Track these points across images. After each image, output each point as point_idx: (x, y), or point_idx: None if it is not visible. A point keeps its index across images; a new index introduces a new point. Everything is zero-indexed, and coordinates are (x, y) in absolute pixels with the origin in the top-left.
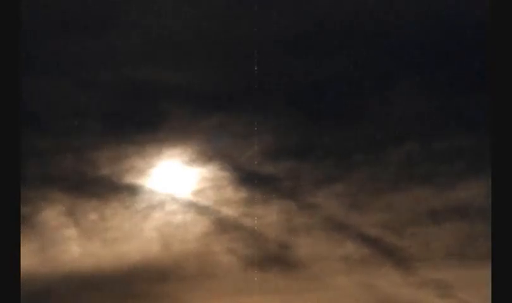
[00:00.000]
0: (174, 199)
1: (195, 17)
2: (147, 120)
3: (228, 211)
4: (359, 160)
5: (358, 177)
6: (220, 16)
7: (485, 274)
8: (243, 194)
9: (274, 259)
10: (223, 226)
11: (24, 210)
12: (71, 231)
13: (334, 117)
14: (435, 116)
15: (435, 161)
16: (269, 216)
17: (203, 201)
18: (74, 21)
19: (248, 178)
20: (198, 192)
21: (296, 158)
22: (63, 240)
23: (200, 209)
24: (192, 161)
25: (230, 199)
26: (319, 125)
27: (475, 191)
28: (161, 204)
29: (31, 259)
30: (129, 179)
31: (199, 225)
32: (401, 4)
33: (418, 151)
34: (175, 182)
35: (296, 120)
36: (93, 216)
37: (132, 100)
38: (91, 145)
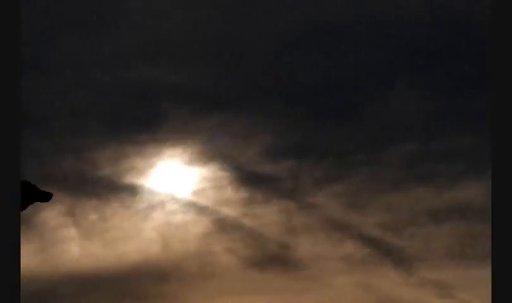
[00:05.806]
0: (174, 199)
1: (195, 17)
2: (147, 120)
3: (228, 211)
4: (359, 160)
5: (358, 177)
6: (220, 16)
7: (485, 274)
8: (243, 194)
9: (274, 259)
10: (223, 226)
11: (24, 210)
12: (71, 231)
13: (334, 117)
14: (435, 116)
15: (435, 161)
16: (269, 216)
17: (203, 201)
18: (74, 21)
19: (248, 178)
20: (198, 192)
21: (296, 158)
22: (63, 240)
23: (200, 209)
24: (192, 161)
25: (230, 199)
26: (319, 125)
27: (475, 191)
28: (161, 204)
29: (31, 259)
30: (129, 179)
31: (199, 225)
32: (401, 4)
33: (418, 151)
34: (175, 182)
35: (296, 120)
36: (93, 216)
37: (132, 100)
38: (91, 145)
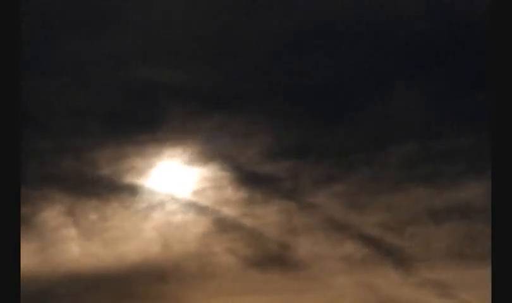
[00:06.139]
0: (174, 199)
1: (194, 17)
2: (147, 120)
3: (228, 211)
4: (359, 160)
5: (358, 177)
6: (219, 16)
7: (485, 274)
8: (243, 194)
9: (274, 259)
10: (223, 226)
11: (24, 210)
12: (71, 231)
13: (334, 117)
14: (435, 116)
15: (435, 161)
16: (269, 216)
17: (203, 201)
18: (74, 21)
19: (248, 178)
20: (198, 192)
21: (296, 158)
22: (63, 240)
23: (200, 209)
24: (192, 161)
25: (230, 199)
26: (319, 125)
27: (475, 191)
28: (161, 204)
29: (31, 259)
30: (129, 179)
31: (199, 225)
32: (401, 4)
33: (418, 151)
34: (175, 182)
35: (296, 120)
36: (93, 216)
37: (132, 100)
38: (91, 145)
